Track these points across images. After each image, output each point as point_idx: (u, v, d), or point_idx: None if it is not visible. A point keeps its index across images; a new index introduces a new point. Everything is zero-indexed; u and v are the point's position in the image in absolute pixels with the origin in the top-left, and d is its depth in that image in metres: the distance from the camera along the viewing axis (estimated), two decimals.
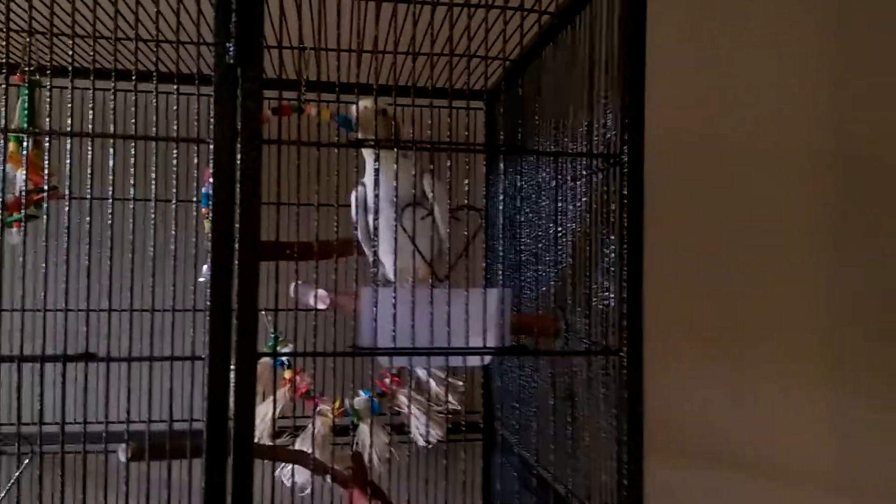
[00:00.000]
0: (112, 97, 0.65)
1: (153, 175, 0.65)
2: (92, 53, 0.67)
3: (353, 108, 0.83)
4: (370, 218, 0.67)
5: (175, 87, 0.66)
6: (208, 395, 0.61)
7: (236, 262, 0.61)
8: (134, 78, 0.66)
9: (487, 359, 0.68)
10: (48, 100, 0.65)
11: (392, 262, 0.67)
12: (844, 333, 1.42)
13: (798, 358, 1.41)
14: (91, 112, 0.67)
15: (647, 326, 1.30)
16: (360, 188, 0.81)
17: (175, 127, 0.65)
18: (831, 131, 1.44)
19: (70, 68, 0.65)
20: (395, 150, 0.67)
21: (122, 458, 0.71)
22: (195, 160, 0.67)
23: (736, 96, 1.40)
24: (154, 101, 0.65)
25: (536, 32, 0.84)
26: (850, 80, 1.44)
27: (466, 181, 0.69)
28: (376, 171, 0.68)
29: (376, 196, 0.68)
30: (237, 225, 0.61)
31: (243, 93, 0.62)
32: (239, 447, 0.61)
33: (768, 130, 1.41)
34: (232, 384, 0.61)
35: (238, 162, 0.61)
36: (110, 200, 0.64)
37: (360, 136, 0.82)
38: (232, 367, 0.62)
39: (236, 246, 0.61)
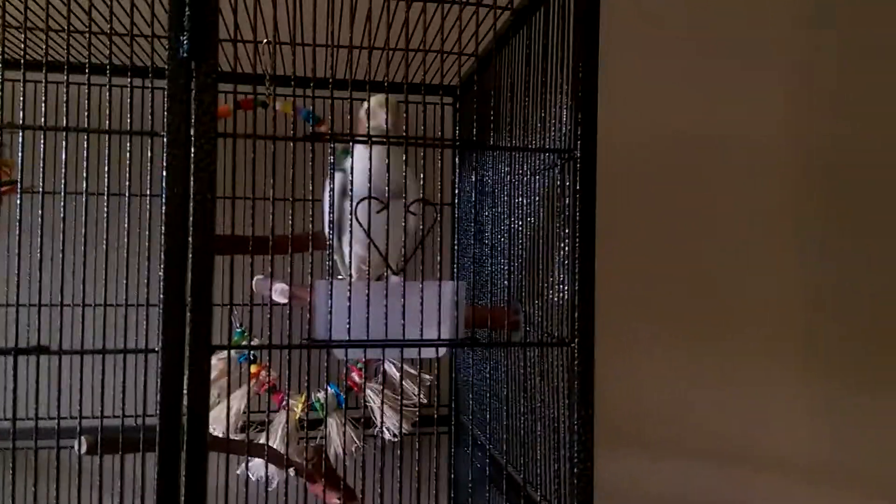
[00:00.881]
0: (65, 90, 0.65)
1: (106, 169, 0.64)
2: (44, 47, 0.66)
3: (372, 100, 0.81)
4: (355, 207, 0.66)
5: (129, 80, 0.66)
6: (162, 387, 0.61)
7: (190, 254, 0.61)
8: (87, 71, 0.66)
9: (443, 351, 0.69)
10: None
11: (366, 254, 0.67)
12: (824, 321, 1.45)
13: (777, 347, 1.44)
14: (44, 105, 0.67)
15: (618, 319, 1.33)
16: (339, 175, 0.79)
17: (129, 120, 0.65)
18: (806, 120, 1.46)
19: (22, 61, 0.65)
20: (369, 141, 0.67)
21: (80, 450, 0.71)
22: (150, 154, 0.67)
23: (706, 89, 1.42)
24: (108, 94, 0.65)
25: (501, 28, 0.85)
26: (822, 73, 1.47)
27: (439, 182, 0.69)
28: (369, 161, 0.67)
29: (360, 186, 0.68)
30: (191, 218, 0.61)
31: (197, 87, 0.62)
32: (192, 440, 0.61)
33: (744, 121, 1.44)
34: (186, 376, 0.61)
35: (192, 156, 0.62)
36: (62, 194, 0.64)
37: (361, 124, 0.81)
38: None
39: (190, 239, 0.61)
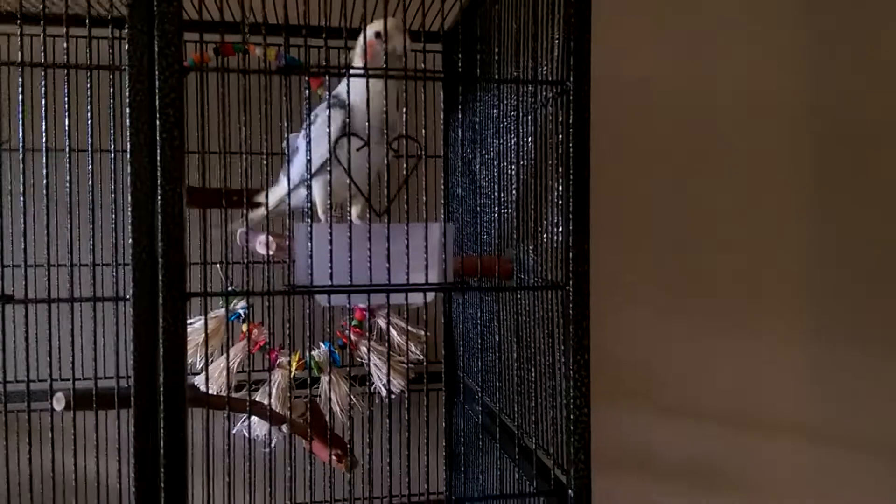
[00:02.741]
0: (18, 41, 0.60)
1: (66, 111, 0.60)
2: None
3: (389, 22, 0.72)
4: (352, 147, 0.62)
5: (87, 30, 0.61)
6: (135, 337, 0.58)
7: (160, 197, 0.58)
8: (42, 18, 0.61)
9: (431, 296, 0.66)
10: None
11: (346, 195, 0.63)
12: (823, 279, 1.42)
13: (778, 303, 1.41)
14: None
15: (612, 273, 1.30)
16: (339, 112, 0.72)
17: (87, 59, 0.61)
18: (809, 79, 1.41)
19: None
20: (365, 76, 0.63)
21: (57, 407, 0.68)
22: (111, 100, 0.62)
23: (711, 42, 1.37)
24: (64, 43, 0.61)
25: None
26: (827, 35, 1.42)
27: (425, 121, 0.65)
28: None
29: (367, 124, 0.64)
30: (159, 158, 0.58)
31: (160, 15, 0.58)
32: (170, 394, 0.59)
33: (743, 65, 1.38)
34: (160, 326, 0.58)
35: (157, 90, 0.58)
36: (20, 151, 0.60)
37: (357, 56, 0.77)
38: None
39: (159, 180, 0.58)
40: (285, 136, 0.75)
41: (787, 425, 1.41)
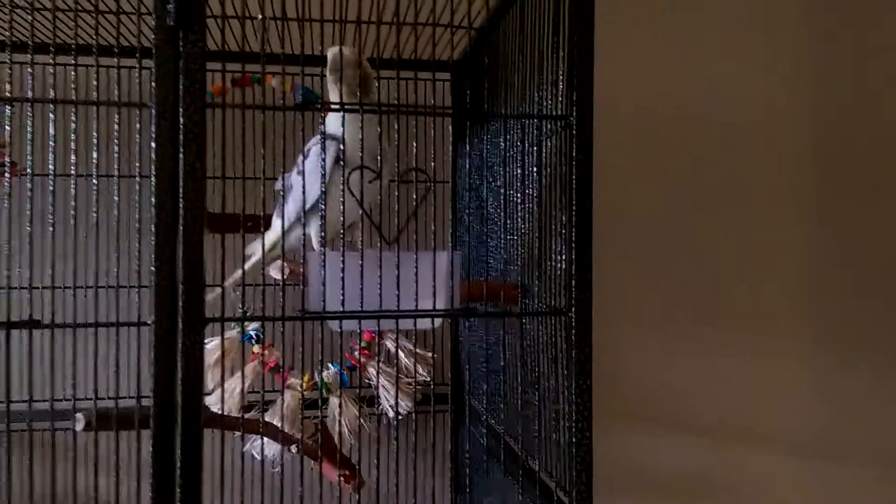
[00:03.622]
0: (52, 71, 0.64)
1: (94, 143, 0.64)
2: (30, 27, 0.65)
3: (329, 52, 0.77)
4: (347, 176, 0.65)
5: (116, 60, 0.65)
6: (155, 361, 0.61)
7: (181, 226, 0.60)
8: (74, 50, 0.64)
9: (438, 322, 0.68)
10: None
11: (339, 224, 0.66)
12: (825, 295, 1.43)
13: (779, 321, 1.42)
14: (30, 81, 0.66)
15: (615, 292, 1.31)
16: (332, 144, 0.75)
17: (117, 95, 0.64)
18: (812, 96, 1.44)
19: (8, 42, 0.64)
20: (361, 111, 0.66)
21: (77, 427, 0.70)
22: (137, 126, 0.65)
23: (707, 60, 1.40)
24: (95, 73, 0.64)
25: (494, 1, 0.84)
26: (832, 66, 1.45)
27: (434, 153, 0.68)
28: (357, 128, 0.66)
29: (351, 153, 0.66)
30: (181, 189, 0.61)
31: (185, 55, 0.61)
32: (187, 416, 0.61)
33: (745, 93, 1.41)
34: (179, 350, 0.61)
35: (181, 126, 0.61)
36: (51, 175, 0.63)
37: (331, 84, 0.79)
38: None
39: (181, 210, 0.60)
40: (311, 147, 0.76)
41: (790, 442, 1.42)
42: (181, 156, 0.61)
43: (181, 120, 0.61)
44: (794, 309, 1.43)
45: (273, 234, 0.80)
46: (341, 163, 0.65)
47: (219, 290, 0.64)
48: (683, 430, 1.37)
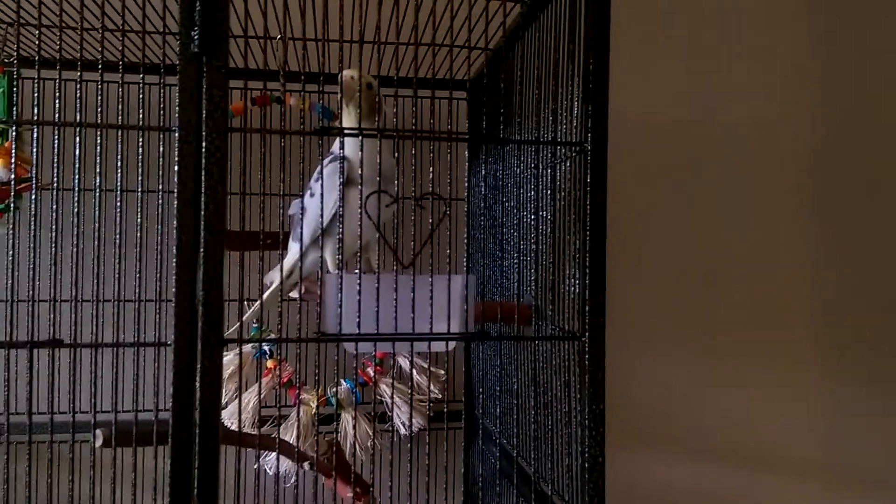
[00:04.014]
0: (78, 87, 0.65)
1: (118, 164, 0.65)
2: (58, 44, 0.67)
3: (342, 75, 0.78)
4: (358, 195, 0.66)
5: (141, 77, 0.67)
6: (175, 380, 0.62)
7: (202, 249, 0.62)
8: (100, 67, 0.66)
9: (452, 344, 0.69)
10: (16, 89, 0.65)
11: (356, 245, 0.67)
12: (833, 320, 1.43)
13: (790, 345, 1.42)
14: (57, 101, 0.67)
15: (635, 317, 1.32)
16: (340, 164, 0.75)
17: (141, 116, 0.66)
18: (817, 115, 1.44)
19: (37, 58, 0.66)
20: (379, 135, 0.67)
21: (96, 444, 0.72)
22: (161, 149, 0.67)
23: (717, 81, 1.40)
24: (119, 90, 0.66)
25: (514, 21, 0.85)
26: (832, 69, 1.45)
27: (449, 173, 0.69)
28: (361, 149, 0.67)
29: (367, 175, 0.67)
30: (203, 212, 0.62)
31: (208, 81, 0.62)
32: (205, 433, 0.62)
33: (756, 113, 1.42)
34: (198, 370, 0.62)
35: (204, 150, 0.62)
36: (75, 190, 0.64)
37: (343, 107, 0.80)
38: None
39: (202, 233, 0.62)
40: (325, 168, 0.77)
41: (802, 465, 1.41)
42: (203, 179, 0.62)
43: (203, 144, 0.62)
44: (809, 339, 1.42)
45: (290, 260, 0.81)
46: (359, 186, 0.66)
47: (251, 311, 0.65)
48: (695, 453, 1.37)
